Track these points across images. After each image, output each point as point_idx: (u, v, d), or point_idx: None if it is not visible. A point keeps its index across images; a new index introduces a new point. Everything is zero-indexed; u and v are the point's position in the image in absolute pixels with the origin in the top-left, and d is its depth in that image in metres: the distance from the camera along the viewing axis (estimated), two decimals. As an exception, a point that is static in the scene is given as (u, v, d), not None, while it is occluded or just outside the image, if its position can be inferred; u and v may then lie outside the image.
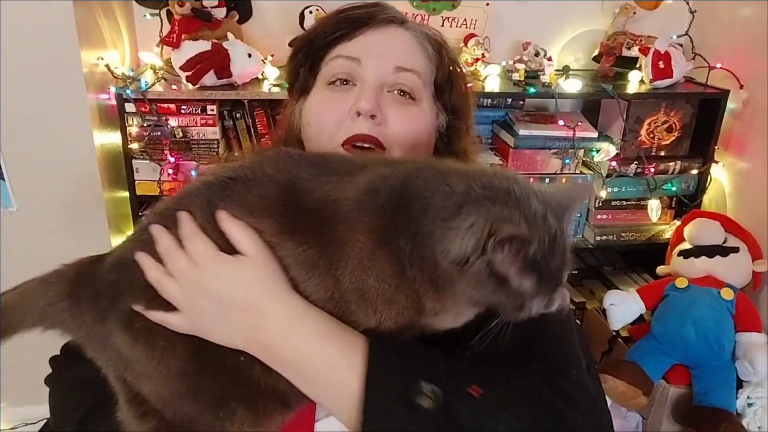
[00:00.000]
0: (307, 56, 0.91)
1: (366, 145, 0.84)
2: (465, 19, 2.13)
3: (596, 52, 2.21)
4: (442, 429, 0.58)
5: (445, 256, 0.60)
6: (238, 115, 1.95)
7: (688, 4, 2.13)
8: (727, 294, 1.88)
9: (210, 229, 0.69)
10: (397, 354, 0.64)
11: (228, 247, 0.68)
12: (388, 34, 0.88)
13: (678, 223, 2.16)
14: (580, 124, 2.12)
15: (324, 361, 0.64)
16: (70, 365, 0.83)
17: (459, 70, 0.94)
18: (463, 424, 0.59)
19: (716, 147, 2.17)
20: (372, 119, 0.83)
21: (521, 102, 2.24)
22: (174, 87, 1.85)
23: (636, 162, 2.14)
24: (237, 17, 2.00)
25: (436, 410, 0.58)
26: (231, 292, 0.67)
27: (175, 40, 1.86)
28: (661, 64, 2.03)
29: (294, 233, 0.66)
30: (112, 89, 1.86)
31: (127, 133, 1.85)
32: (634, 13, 2.18)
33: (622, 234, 2.21)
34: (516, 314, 0.63)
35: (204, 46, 1.83)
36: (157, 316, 0.69)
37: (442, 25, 2.11)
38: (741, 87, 2.09)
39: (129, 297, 0.70)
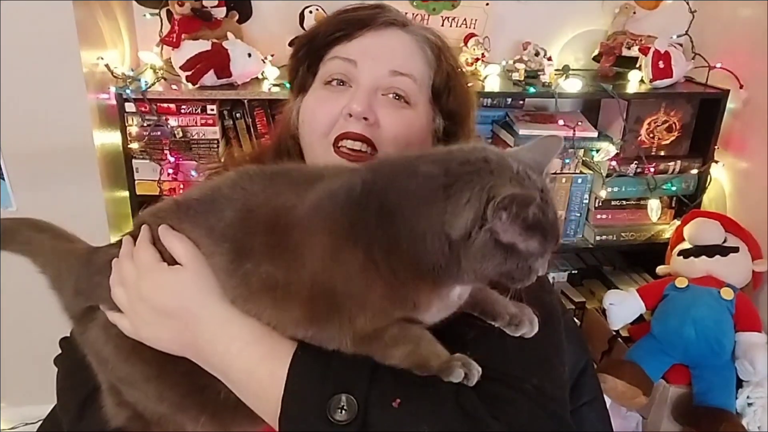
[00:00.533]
0: (307, 55, 0.92)
1: (357, 146, 0.84)
2: (465, 19, 2.12)
3: (596, 52, 2.21)
4: None
5: (443, 239, 0.59)
6: (238, 115, 1.95)
7: (688, 4, 2.13)
8: (727, 294, 1.89)
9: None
10: (319, 363, 0.63)
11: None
12: (387, 37, 0.88)
13: (678, 222, 2.16)
14: (579, 123, 2.12)
15: (245, 368, 0.65)
16: (77, 347, 0.85)
17: (460, 74, 0.94)
18: None
19: (716, 147, 2.17)
20: (364, 121, 0.83)
21: (521, 102, 2.23)
22: (174, 87, 1.84)
23: (636, 162, 2.14)
24: (237, 17, 2.00)
25: (351, 422, 0.59)
26: (164, 299, 0.69)
27: (175, 40, 1.86)
28: (661, 64, 2.03)
29: (250, 254, 0.66)
30: (112, 89, 1.86)
31: (127, 132, 1.85)
32: (634, 12, 2.18)
33: (622, 234, 2.21)
34: (525, 281, 0.62)
35: (204, 45, 1.83)
36: (112, 316, 0.73)
37: (442, 25, 2.11)
38: (741, 87, 2.09)
39: (107, 297, 0.74)
